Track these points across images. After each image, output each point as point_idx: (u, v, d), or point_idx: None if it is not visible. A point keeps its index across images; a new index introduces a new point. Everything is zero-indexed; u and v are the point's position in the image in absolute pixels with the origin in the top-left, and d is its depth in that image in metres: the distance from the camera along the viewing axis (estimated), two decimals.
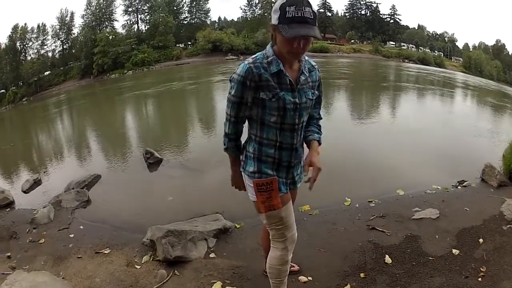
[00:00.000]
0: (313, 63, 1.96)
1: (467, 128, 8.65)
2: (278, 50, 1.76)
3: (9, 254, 3.53)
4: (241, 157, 2.00)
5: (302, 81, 1.84)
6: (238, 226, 3.65)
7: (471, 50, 61.41)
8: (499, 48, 59.52)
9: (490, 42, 63.19)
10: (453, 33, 67.63)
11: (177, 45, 53.57)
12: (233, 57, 47.50)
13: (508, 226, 3.27)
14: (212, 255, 3.16)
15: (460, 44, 66.18)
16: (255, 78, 1.75)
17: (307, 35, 1.62)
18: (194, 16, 58.50)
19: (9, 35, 48.17)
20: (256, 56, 1.81)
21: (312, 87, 1.92)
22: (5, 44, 48.13)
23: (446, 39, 66.32)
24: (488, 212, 3.60)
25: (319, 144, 2.04)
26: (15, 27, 48.48)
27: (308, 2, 1.62)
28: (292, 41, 1.63)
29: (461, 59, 58.81)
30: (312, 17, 1.62)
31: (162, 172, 6.07)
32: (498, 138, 7.37)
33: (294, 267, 2.73)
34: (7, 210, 4.90)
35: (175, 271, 2.90)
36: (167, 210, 4.46)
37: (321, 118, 2.14)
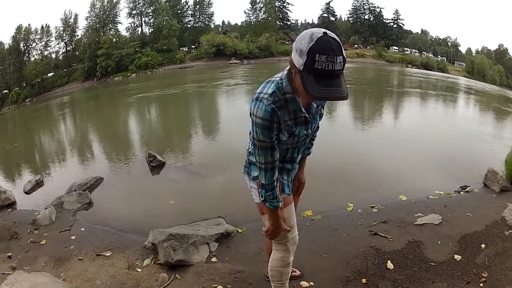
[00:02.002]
0: None
1: (470, 133, 8.62)
2: (295, 85, 1.60)
3: (9, 254, 3.54)
4: (244, 163, 2.01)
5: (314, 109, 1.80)
6: (240, 230, 3.65)
7: (474, 54, 61.35)
8: (501, 52, 59.44)
9: (493, 47, 63.06)
10: (456, 38, 67.46)
11: (181, 48, 53.71)
12: (237, 61, 47.61)
13: (510, 231, 3.26)
14: (214, 259, 3.15)
15: (463, 49, 66.12)
16: (278, 120, 1.64)
17: (337, 99, 1.45)
18: (197, 20, 58.70)
19: (13, 36, 48.38)
20: (272, 92, 1.62)
21: (320, 109, 1.90)
22: (9, 44, 48.35)
23: (449, 43, 66.27)
24: (490, 217, 3.59)
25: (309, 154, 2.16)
26: (19, 28, 48.71)
27: (340, 46, 1.39)
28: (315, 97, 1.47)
29: (464, 64, 58.76)
30: (342, 67, 1.40)
31: (164, 175, 6.07)
32: (501, 143, 7.34)
33: (295, 272, 2.72)
34: (9, 210, 4.93)
35: (177, 274, 2.89)
36: (169, 213, 4.46)
37: (318, 128, 2.08)
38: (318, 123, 2.04)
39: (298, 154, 1.96)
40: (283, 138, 1.71)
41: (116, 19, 54.29)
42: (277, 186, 1.79)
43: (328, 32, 1.41)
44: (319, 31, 1.40)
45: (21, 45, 48.76)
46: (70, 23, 52.13)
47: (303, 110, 1.70)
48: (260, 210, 1.98)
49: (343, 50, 1.39)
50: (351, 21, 62.72)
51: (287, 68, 1.63)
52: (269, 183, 1.75)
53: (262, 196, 1.80)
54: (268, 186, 1.76)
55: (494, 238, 3.18)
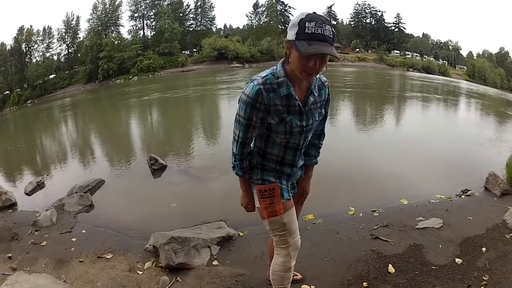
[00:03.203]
0: (324, 79, 1.92)
1: (471, 137, 8.62)
2: (290, 69, 1.69)
3: (10, 255, 3.54)
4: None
5: (311, 102, 1.81)
6: (241, 234, 3.64)
7: (475, 58, 61.47)
8: (502, 55, 59.61)
9: (494, 50, 63.24)
10: (457, 41, 68.13)
11: (183, 52, 53.98)
12: (239, 65, 47.74)
13: (511, 234, 3.25)
14: (215, 262, 3.15)
15: (464, 52, 66.42)
16: (264, 101, 1.69)
17: (328, 53, 1.54)
18: (199, 23, 59.02)
19: (15, 37, 48.75)
20: (266, 75, 1.72)
21: (320, 107, 1.90)
22: (11, 45, 48.59)
23: (450, 47, 66.48)
24: (491, 221, 3.59)
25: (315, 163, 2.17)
26: (21, 29, 49.07)
27: (328, 20, 1.56)
28: (308, 59, 1.56)
29: (465, 67, 58.85)
30: (331, 35, 1.55)
31: (166, 178, 6.07)
32: (502, 146, 7.35)
33: (297, 275, 2.72)
34: (10, 211, 4.94)
35: (178, 277, 2.89)
36: (170, 216, 4.46)
37: (324, 135, 2.14)
38: (323, 128, 2.06)
39: (298, 157, 1.96)
40: (272, 121, 1.76)
41: (118, 22, 54.78)
42: (247, 162, 1.92)
43: (316, 12, 1.59)
44: (308, 11, 1.59)
45: (23, 46, 49.07)
46: (72, 25, 52.51)
47: (297, 97, 1.74)
48: (261, 215, 1.99)
49: (331, 24, 1.57)
50: (353, 25, 62.96)
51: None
52: (238, 154, 1.88)
53: (232, 163, 1.95)
54: (238, 157, 1.89)
55: (495, 242, 3.18)
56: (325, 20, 1.54)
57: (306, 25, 1.52)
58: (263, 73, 1.74)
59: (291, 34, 1.58)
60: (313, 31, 1.52)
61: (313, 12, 1.57)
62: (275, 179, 1.93)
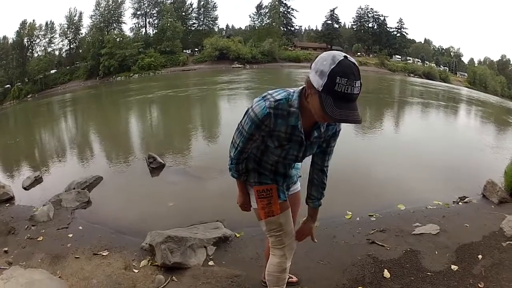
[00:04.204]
0: None
1: (470, 144, 8.65)
2: (306, 105, 1.61)
3: (6, 249, 3.53)
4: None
5: (314, 137, 1.77)
6: (238, 235, 3.64)
7: (476, 65, 61.56)
8: (504, 63, 59.72)
9: (496, 57, 63.33)
10: (459, 48, 68.15)
11: (184, 51, 53.97)
12: (239, 65, 47.70)
13: (508, 242, 3.27)
14: (211, 262, 3.15)
15: (465, 59, 66.50)
16: (270, 125, 1.67)
17: (354, 122, 1.43)
18: (202, 23, 59.02)
19: (17, 31, 48.64)
20: (280, 100, 1.65)
21: (322, 141, 1.85)
22: (13, 39, 48.48)
23: (451, 53, 66.59)
24: (488, 228, 3.60)
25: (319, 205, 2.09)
26: (23, 23, 48.94)
27: (359, 74, 1.41)
28: (332, 119, 1.45)
29: (466, 74, 58.93)
30: (359, 92, 1.42)
31: (164, 177, 6.07)
32: (501, 154, 7.37)
33: (292, 278, 2.72)
34: (7, 205, 4.94)
35: (173, 277, 2.89)
36: (167, 215, 4.46)
37: (326, 174, 2.01)
38: (327, 165, 1.97)
39: (289, 170, 2.02)
40: (271, 144, 1.78)
41: (121, 19, 54.69)
42: (243, 166, 1.95)
43: (348, 56, 1.43)
44: (340, 55, 1.42)
45: (25, 40, 48.92)
46: (74, 21, 52.40)
47: (302, 130, 1.70)
48: (258, 216, 2.02)
49: (361, 75, 1.41)
50: (355, 29, 63.02)
51: (303, 86, 1.63)
52: (235, 159, 1.91)
53: (228, 165, 1.98)
54: (234, 161, 1.93)
55: (491, 249, 3.19)
56: (357, 74, 1.39)
57: (337, 80, 1.37)
58: (277, 95, 1.67)
59: (317, 82, 1.43)
60: (343, 90, 1.38)
61: (346, 59, 1.41)
62: (271, 182, 1.96)
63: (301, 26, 70.36)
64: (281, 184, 2.00)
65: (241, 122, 1.78)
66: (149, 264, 3.14)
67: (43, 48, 50.78)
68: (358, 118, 1.42)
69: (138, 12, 55.55)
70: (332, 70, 1.38)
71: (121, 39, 50.16)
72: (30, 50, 49.95)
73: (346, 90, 1.38)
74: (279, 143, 1.75)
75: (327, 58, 1.41)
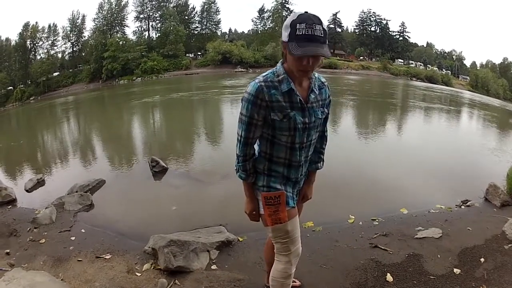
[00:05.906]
0: (323, 80, 1.96)
1: (472, 147, 8.63)
2: (288, 68, 1.74)
3: (8, 251, 3.55)
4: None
5: (312, 99, 1.84)
6: (241, 239, 3.64)
7: (478, 68, 61.44)
8: (506, 66, 59.52)
9: (497, 60, 63.18)
10: (461, 51, 67.95)
11: (187, 54, 53.98)
12: (242, 69, 47.68)
13: (510, 245, 3.27)
14: (213, 267, 3.15)
15: (467, 63, 66.37)
16: (266, 97, 1.73)
17: (315, 54, 1.59)
18: (204, 27, 59.11)
19: (20, 33, 48.70)
20: (266, 74, 1.79)
21: (322, 105, 1.92)
22: (15, 41, 48.64)
23: (454, 57, 66.52)
24: (490, 231, 3.60)
25: (320, 168, 2.18)
26: (26, 25, 49.07)
27: (319, 20, 1.60)
28: (301, 59, 1.62)
29: (468, 77, 58.82)
30: (322, 35, 1.60)
31: (167, 181, 6.07)
32: (503, 157, 7.35)
33: (296, 282, 2.71)
34: (9, 207, 4.95)
35: (176, 280, 2.89)
36: (170, 219, 4.46)
37: (326, 139, 2.14)
38: (325, 130, 2.07)
39: (302, 157, 1.93)
40: (275, 117, 1.77)
41: (124, 22, 54.84)
42: (250, 165, 1.91)
43: (308, 11, 1.63)
44: (301, 11, 1.64)
45: (28, 42, 49.06)
46: (77, 24, 52.56)
47: (298, 93, 1.78)
48: (264, 221, 2.00)
49: (323, 23, 1.61)
50: (357, 33, 63.01)
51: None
52: (241, 155, 1.89)
53: (235, 166, 1.95)
54: (240, 158, 1.90)
55: (494, 252, 3.19)
56: (316, 20, 1.59)
57: (297, 26, 1.58)
58: (264, 73, 1.81)
59: (284, 36, 1.65)
60: (303, 33, 1.57)
61: (305, 12, 1.62)
62: (281, 186, 1.92)
63: None
64: (290, 190, 1.98)
65: (239, 112, 1.83)
66: (152, 267, 3.14)
67: (45, 51, 50.98)
68: (322, 51, 1.59)
69: (141, 16, 55.73)
70: (292, 21, 1.60)
71: (124, 42, 50.26)
72: (33, 53, 50.12)
73: (307, 32, 1.57)
74: (283, 112, 1.76)
75: (290, 16, 1.65)
